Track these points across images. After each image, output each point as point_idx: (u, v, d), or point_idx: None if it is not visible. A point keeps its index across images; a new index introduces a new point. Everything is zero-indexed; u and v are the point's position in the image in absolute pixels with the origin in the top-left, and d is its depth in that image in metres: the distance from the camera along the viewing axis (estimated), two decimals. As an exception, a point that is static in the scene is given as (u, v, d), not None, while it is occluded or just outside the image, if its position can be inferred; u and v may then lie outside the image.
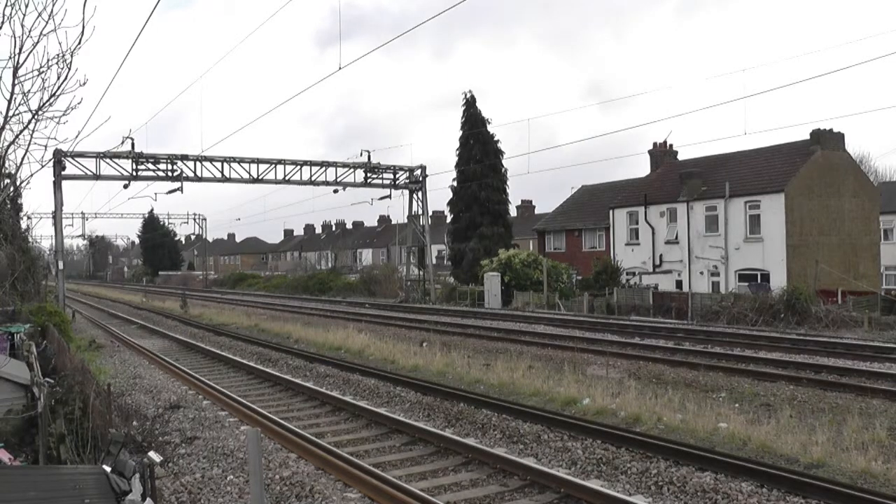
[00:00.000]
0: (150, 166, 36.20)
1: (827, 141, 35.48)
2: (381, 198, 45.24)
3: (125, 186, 36.56)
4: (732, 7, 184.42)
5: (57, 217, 34.63)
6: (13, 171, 7.08)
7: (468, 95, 48.75)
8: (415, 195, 44.59)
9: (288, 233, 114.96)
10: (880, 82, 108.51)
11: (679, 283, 37.48)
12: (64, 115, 6.12)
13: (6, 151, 6.53)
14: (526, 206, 71.60)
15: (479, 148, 47.74)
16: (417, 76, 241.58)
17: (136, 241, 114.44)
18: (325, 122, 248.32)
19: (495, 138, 48.44)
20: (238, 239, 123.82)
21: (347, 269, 76.11)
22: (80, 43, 5.63)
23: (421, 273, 47.57)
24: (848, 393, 13.04)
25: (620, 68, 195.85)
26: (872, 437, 9.60)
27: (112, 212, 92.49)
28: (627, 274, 39.49)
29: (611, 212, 42.74)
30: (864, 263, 36.18)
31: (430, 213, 46.86)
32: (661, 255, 39.13)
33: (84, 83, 5.94)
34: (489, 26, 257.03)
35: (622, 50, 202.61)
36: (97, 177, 35.26)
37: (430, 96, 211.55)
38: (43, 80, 5.86)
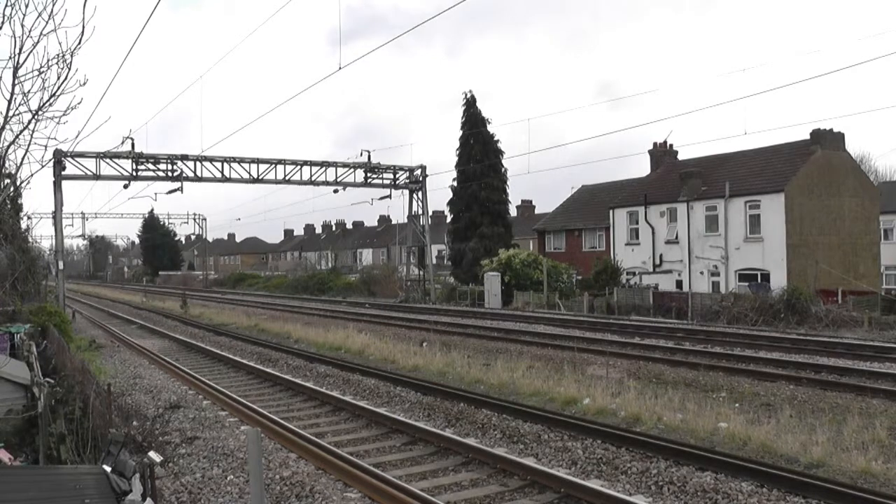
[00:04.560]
0: (150, 166, 36.21)
1: (827, 141, 35.48)
2: (382, 198, 45.30)
3: (125, 186, 36.58)
4: (740, 7, 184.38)
5: (57, 217, 34.62)
6: (13, 171, 7.06)
7: (468, 95, 48.87)
8: (415, 195, 44.60)
9: (288, 233, 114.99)
10: (880, 82, 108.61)
11: (679, 283, 37.47)
12: (64, 115, 6.11)
13: (6, 151, 6.52)
14: (526, 206, 71.62)
15: (479, 148, 47.78)
16: (428, 76, 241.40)
17: (136, 241, 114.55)
18: (335, 122, 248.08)
19: (495, 138, 48.59)
20: (238, 239, 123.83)
21: (347, 269, 76.14)
22: (80, 43, 5.62)
23: (421, 273, 47.58)
24: (848, 393, 13.03)
25: (632, 67, 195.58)
26: (872, 436, 9.60)
27: (112, 212, 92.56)
28: (627, 274, 39.49)
29: (611, 212, 42.74)
30: (864, 263, 36.18)
31: (430, 213, 46.87)
32: (661, 255, 39.13)
33: (84, 83, 5.93)
34: (501, 26, 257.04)
35: (634, 49, 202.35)
36: (97, 177, 35.27)
37: (439, 96, 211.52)
38: (43, 80, 5.85)
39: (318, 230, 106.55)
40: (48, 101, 5.92)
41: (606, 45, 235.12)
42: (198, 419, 11.96)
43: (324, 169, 40.70)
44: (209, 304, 44.03)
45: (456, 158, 49.23)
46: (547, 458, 9.48)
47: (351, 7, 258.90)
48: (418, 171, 44.10)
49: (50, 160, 31.96)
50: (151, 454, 6.55)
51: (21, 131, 6.17)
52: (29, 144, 6.25)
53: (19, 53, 5.67)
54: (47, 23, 5.49)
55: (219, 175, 37.78)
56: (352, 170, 41.42)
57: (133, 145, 35.08)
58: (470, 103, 48.82)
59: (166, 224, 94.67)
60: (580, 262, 43.97)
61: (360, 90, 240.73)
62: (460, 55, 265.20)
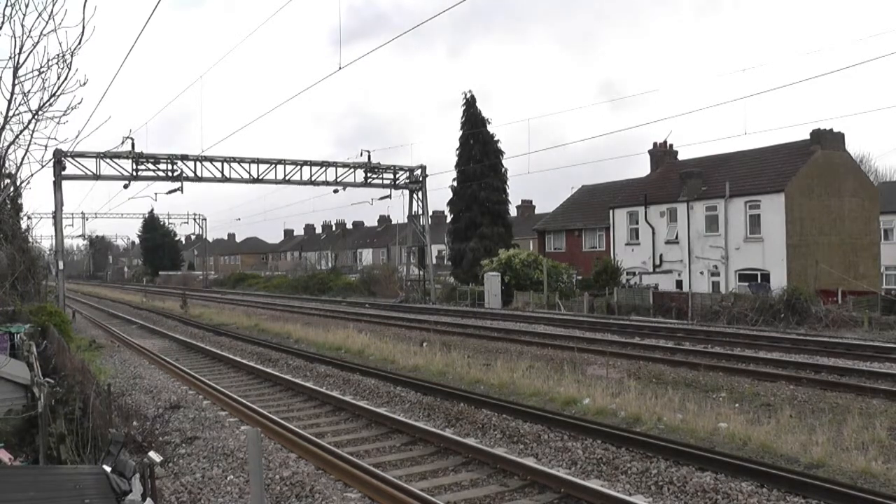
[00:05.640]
0: (150, 166, 36.23)
1: (827, 141, 35.50)
2: (382, 198, 45.35)
3: (125, 186, 36.59)
4: (740, 7, 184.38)
5: (57, 217, 34.64)
6: (13, 171, 7.07)
7: (468, 96, 48.90)
8: (415, 195, 44.61)
9: (288, 233, 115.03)
10: (880, 82, 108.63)
11: (679, 283, 37.48)
12: (64, 115, 6.11)
13: (6, 151, 6.52)
14: (526, 206, 71.67)
15: (479, 148, 47.81)
16: (429, 76, 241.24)
17: (136, 241, 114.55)
18: (336, 122, 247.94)
19: (495, 138, 48.60)
20: (238, 239, 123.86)
21: (347, 269, 76.15)
22: (80, 43, 5.63)
23: (421, 273, 47.59)
24: (848, 393, 13.03)
25: (633, 67, 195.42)
26: (872, 437, 9.60)
27: (112, 212, 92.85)
28: (627, 274, 39.49)
29: (611, 212, 42.75)
30: (864, 263, 36.19)
31: (430, 213, 46.88)
32: (661, 255, 39.14)
33: (84, 83, 5.93)
34: (503, 26, 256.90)
35: (636, 49, 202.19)
36: (97, 177, 35.28)
37: (440, 96, 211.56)
38: (43, 80, 5.86)
39: (318, 230, 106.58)
40: (48, 101, 5.93)
41: (608, 45, 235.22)
42: (198, 419, 11.95)
43: (324, 169, 40.72)
44: (209, 305, 44.02)
45: (456, 158, 49.31)
46: (547, 458, 9.48)
47: (354, 7, 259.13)
48: (418, 171, 44.12)
49: (50, 160, 31.99)
50: (151, 454, 6.55)
51: (21, 131, 6.17)
52: (29, 144, 6.25)
53: (19, 53, 5.67)
54: (47, 23, 5.49)
55: (219, 175, 37.80)
56: (352, 170, 41.44)
57: (133, 145, 35.14)
58: (470, 103, 48.84)
59: (166, 224, 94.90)
60: (580, 262, 43.98)
61: (361, 90, 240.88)
62: (461, 55, 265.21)
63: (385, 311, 37.11)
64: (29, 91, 5.89)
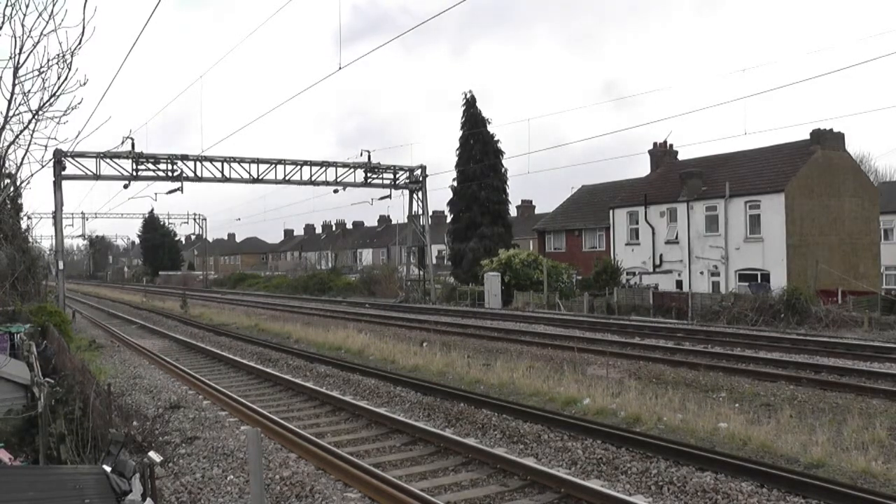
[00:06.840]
0: (151, 166, 36.21)
1: (827, 141, 35.50)
2: (382, 198, 45.33)
3: (125, 186, 36.58)
4: (741, 8, 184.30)
5: (57, 217, 34.63)
6: (13, 171, 7.08)
7: (468, 96, 48.92)
8: (415, 195, 44.61)
9: (288, 233, 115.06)
10: (880, 82, 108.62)
11: (679, 283, 37.47)
12: (64, 115, 6.13)
13: (6, 151, 6.53)
14: (526, 206, 71.69)
15: (479, 148, 47.83)
16: (431, 76, 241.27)
17: (136, 241, 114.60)
18: (338, 122, 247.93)
19: (495, 138, 48.62)
20: (238, 239, 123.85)
21: (347, 269, 76.15)
22: (80, 43, 5.64)
23: (421, 273, 47.59)
24: (848, 393, 13.03)
25: (635, 67, 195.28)
26: (872, 437, 9.60)
27: (112, 212, 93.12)
28: (627, 274, 39.49)
29: (611, 212, 42.75)
30: (864, 263, 36.18)
31: (431, 213, 46.88)
32: (661, 255, 39.13)
33: (84, 83, 5.95)
34: (505, 26, 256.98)
35: (638, 48, 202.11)
36: (97, 177, 35.26)
37: (441, 96, 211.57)
38: (43, 80, 5.87)
39: (318, 230, 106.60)
40: (48, 101, 5.94)
41: (610, 46, 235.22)
42: (198, 419, 11.95)
43: (324, 169, 40.71)
44: (209, 304, 44.01)
45: (456, 158, 49.35)
46: (547, 458, 9.48)
47: (357, 7, 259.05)
48: (418, 171, 44.11)
49: (50, 160, 31.99)
50: (151, 454, 6.55)
51: (21, 131, 6.19)
52: (29, 144, 6.27)
53: (19, 53, 5.68)
54: (47, 23, 5.51)
55: (219, 175, 37.78)
56: (352, 170, 41.44)
57: (133, 145, 35.11)
58: (470, 103, 48.85)
59: (166, 224, 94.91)
60: (580, 262, 43.97)
61: (363, 90, 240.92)
62: (463, 55, 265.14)
63: (385, 311, 37.10)
64: (29, 91, 5.91)
